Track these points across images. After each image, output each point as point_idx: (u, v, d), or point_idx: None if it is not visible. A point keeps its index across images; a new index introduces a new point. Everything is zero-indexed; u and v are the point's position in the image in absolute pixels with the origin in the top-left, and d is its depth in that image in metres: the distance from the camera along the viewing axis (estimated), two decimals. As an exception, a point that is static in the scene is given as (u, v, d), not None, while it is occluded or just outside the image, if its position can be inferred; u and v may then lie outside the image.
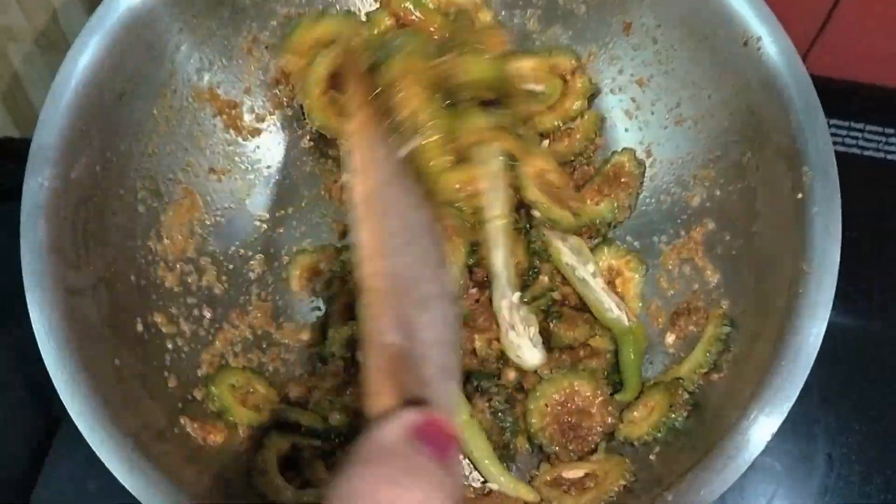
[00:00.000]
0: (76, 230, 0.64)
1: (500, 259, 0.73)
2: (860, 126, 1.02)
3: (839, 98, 1.00)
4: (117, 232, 0.69)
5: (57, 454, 0.82)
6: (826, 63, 1.00)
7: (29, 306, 0.59)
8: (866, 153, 1.01)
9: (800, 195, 0.65)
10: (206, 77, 0.76)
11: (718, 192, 0.74)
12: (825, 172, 0.65)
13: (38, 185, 0.62)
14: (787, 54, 0.68)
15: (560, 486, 0.71)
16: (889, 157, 1.01)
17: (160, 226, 0.73)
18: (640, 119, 0.80)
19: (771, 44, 0.68)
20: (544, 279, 0.77)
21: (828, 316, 0.62)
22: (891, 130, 1.02)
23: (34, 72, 0.91)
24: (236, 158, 0.80)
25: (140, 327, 0.68)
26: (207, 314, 0.74)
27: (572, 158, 0.80)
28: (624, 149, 0.80)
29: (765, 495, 0.84)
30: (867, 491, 0.84)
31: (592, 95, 0.81)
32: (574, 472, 0.71)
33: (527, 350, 0.74)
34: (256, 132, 0.81)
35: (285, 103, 0.81)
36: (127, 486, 0.57)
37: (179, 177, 0.75)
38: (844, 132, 1.02)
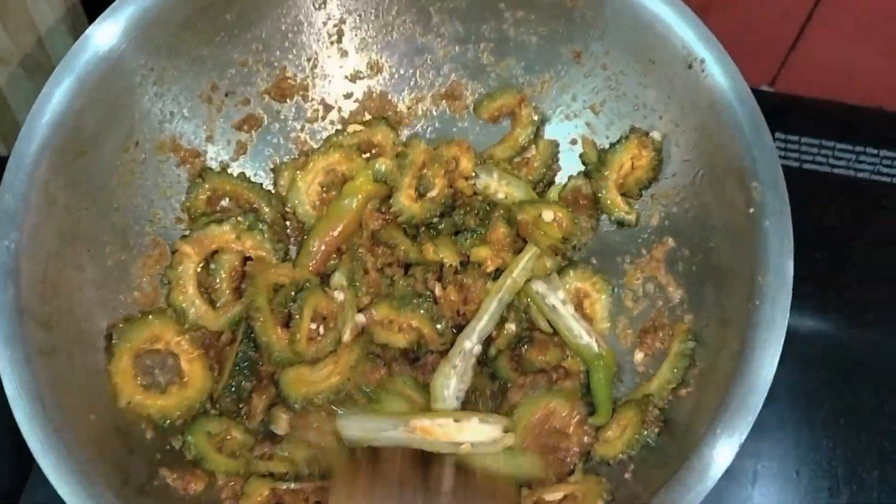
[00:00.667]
0: (45, 288, 0.65)
1: (491, 308, 0.75)
2: (830, 144, 1.05)
3: (809, 116, 1.02)
4: (88, 286, 0.70)
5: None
6: (797, 82, 1.03)
7: (-1, 369, 0.60)
8: (836, 171, 1.03)
9: (751, 209, 0.67)
10: (168, 128, 0.77)
11: (675, 210, 0.76)
12: (774, 186, 0.67)
13: (4, 248, 0.63)
14: (730, 75, 0.70)
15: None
16: (859, 175, 1.03)
17: (130, 278, 0.74)
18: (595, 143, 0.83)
19: (714, 65, 0.70)
20: (511, 327, 0.77)
21: (786, 325, 0.64)
22: (860, 148, 1.05)
23: (20, 94, 0.91)
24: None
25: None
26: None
27: (533, 186, 0.82)
28: (579, 173, 0.82)
29: None
30: None
31: (542, 122, 0.83)
32: (554, 495, 0.71)
33: (446, 392, 0.74)
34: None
35: (248, 150, 0.83)
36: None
37: (147, 228, 0.76)
38: (815, 150, 1.04)
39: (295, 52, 0.82)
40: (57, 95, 0.67)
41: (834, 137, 1.04)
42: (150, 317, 0.71)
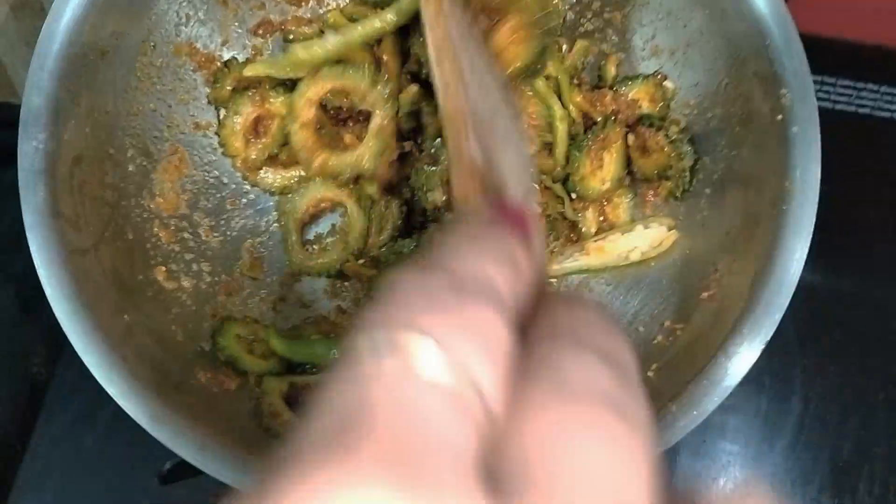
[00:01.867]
0: (73, 191, 0.64)
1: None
2: (832, 80, 1.05)
3: (812, 53, 1.02)
4: (111, 192, 0.69)
5: (46, 417, 0.82)
6: (799, 19, 1.02)
7: (38, 268, 0.59)
8: (838, 107, 1.04)
9: (780, 117, 0.67)
10: (184, 31, 0.75)
11: (697, 119, 0.77)
12: (803, 94, 0.67)
13: (33, 148, 0.62)
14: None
15: None
16: (861, 110, 1.04)
17: (151, 183, 0.73)
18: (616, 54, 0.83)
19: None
20: None
21: (812, 228, 0.65)
22: (861, 84, 1.05)
23: (6, 37, 0.88)
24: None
25: (142, 284, 0.69)
26: (206, 268, 0.75)
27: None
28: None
29: (744, 433, 0.87)
30: (844, 428, 0.88)
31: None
32: None
33: None
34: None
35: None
36: (154, 434, 0.58)
37: (165, 134, 0.75)
38: (817, 87, 1.04)
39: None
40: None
41: (836, 74, 1.05)
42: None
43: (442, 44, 0.55)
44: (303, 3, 0.81)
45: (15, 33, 0.89)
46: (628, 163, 0.82)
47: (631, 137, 0.81)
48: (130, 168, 0.71)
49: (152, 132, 0.74)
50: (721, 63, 0.74)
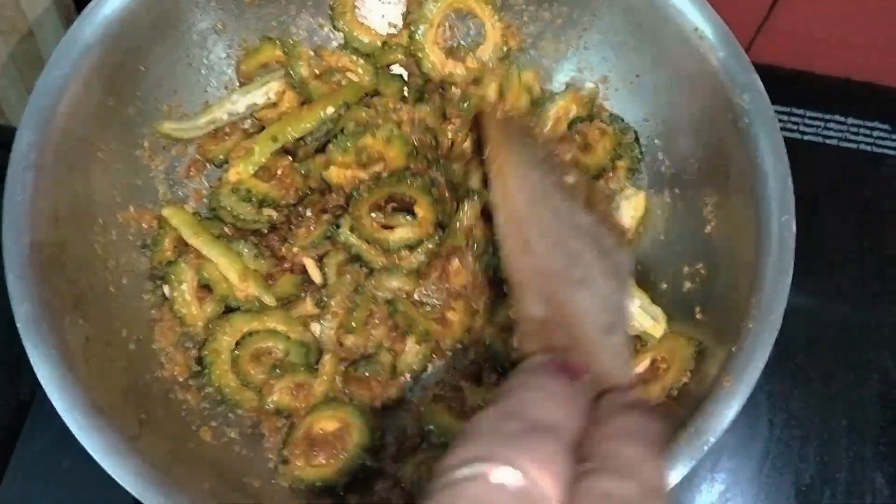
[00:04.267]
0: (97, 384, 0.65)
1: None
2: (801, 112, 1.09)
3: (781, 85, 1.05)
4: (127, 376, 0.71)
5: (29, 433, 0.83)
6: (769, 52, 1.06)
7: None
8: (805, 137, 1.08)
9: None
10: (125, 198, 0.77)
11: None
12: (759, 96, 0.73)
13: (49, 356, 0.63)
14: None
15: (638, 382, 0.75)
16: (828, 141, 1.08)
17: (156, 353, 0.75)
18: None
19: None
20: None
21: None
22: (829, 116, 1.09)
23: None
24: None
25: (197, 451, 0.71)
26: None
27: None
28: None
29: (710, 459, 0.90)
30: (806, 453, 0.91)
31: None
32: (641, 365, 0.76)
33: None
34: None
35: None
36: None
37: (147, 300, 0.77)
38: (786, 117, 1.08)
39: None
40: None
41: (804, 105, 1.10)
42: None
43: (510, 220, 0.60)
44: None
45: (7, 58, 0.89)
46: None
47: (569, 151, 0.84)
48: (131, 347, 0.73)
49: (134, 302, 0.75)
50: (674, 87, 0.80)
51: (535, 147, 0.69)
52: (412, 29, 0.85)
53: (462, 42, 0.87)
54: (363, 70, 0.85)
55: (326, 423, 0.74)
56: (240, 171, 0.77)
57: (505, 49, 0.86)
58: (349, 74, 0.85)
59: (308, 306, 0.79)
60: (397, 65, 0.88)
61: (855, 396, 0.94)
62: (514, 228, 0.59)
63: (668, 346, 0.74)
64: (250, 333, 0.76)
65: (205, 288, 0.77)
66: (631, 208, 0.83)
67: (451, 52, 0.87)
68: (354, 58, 0.85)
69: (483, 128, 0.74)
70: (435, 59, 0.85)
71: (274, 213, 0.80)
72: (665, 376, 0.72)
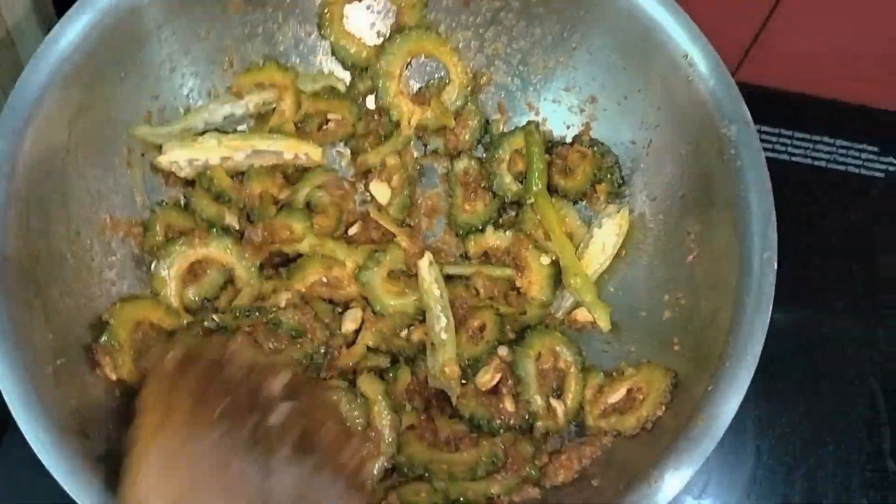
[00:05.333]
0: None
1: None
2: (789, 133, 1.09)
3: (770, 106, 1.06)
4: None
5: (5, 452, 0.83)
6: (758, 73, 1.06)
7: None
8: (794, 159, 1.08)
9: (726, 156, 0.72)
10: (102, 207, 0.76)
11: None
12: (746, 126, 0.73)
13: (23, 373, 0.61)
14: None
15: (614, 412, 0.75)
16: (816, 163, 1.08)
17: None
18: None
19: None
20: None
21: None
22: (817, 137, 1.09)
23: None
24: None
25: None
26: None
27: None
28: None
29: (697, 485, 0.90)
30: (793, 479, 0.91)
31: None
32: (616, 395, 0.75)
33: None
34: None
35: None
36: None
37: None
38: (775, 139, 1.08)
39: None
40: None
41: (793, 127, 1.10)
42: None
43: None
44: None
45: None
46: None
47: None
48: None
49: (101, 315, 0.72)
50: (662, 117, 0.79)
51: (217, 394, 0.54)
52: (376, 83, 0.84)
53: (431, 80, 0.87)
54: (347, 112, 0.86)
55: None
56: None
57: (469, 90, 0.86)
58: (330, 116, 0.84)
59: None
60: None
61: (842, 422, 0.94)
62: None
63: (644, 376, 0.74)
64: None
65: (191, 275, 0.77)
66: (616, 225, 0.83)
67: (418, 97, 0.86)
68: (335, 102, 0.85)
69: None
70: (404, 108, 0.85)
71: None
72: (640, 407, 0.72)
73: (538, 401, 0.77)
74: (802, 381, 0.96)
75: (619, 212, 0.83)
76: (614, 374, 0.78)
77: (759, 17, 1.02)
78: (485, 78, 0.88)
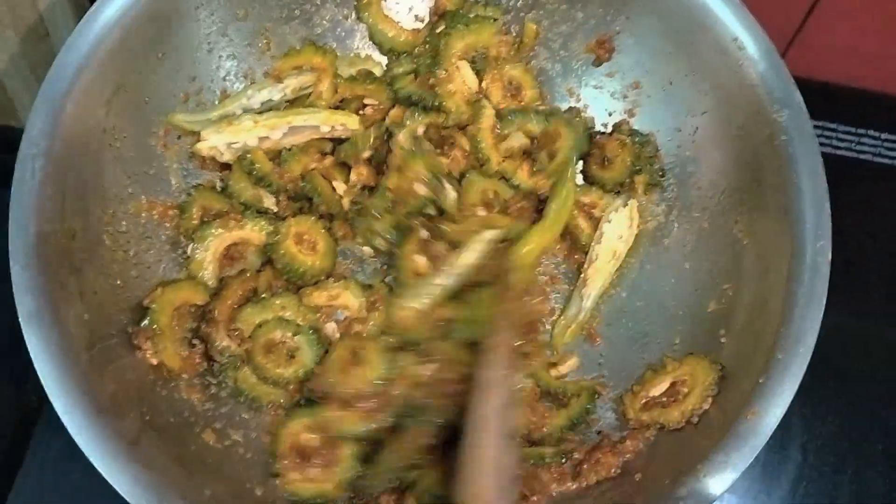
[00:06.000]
0: (99, 380, 0.63)
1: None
2: (833, 126, 1.06)
3: (814, 98, 1.03)
4: (131, 372, 0.69)
5: (38, 443, 0.82)
6: (802, 64, 1.03)
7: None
8: (839, 152, 1.05)
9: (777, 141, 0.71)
10: (135, 188, 0.75)
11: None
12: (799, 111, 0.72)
13: (48, 350, 0.61)
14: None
15: (656, 405, 0.73)
16: (861, 156, 1.05)
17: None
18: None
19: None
20: None
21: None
22: (863, 131, 1.06)
23: (8, 57, 0.89)
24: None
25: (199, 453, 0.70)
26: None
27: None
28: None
29: (741, 484, 0.87)
30: (840, 479, 0.88)
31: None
32: (659, 388, 0.74)
33: None
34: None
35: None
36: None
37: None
38: (818, 131, 1.05)
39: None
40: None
41: (837, 120, 1.07)
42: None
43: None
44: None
45: (21, 58, 0.88)
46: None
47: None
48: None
49: (141, 295, 0.72)
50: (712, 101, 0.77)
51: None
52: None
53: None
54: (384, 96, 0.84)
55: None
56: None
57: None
58: (366, 101, 0.83)
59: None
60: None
61: (890, 421, 0.92)
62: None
63: (688, 368, 0.72)
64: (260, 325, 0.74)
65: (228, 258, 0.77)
66: (626, 218, 0.81)
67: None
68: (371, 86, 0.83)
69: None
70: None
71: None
72: (685, 401, 0.70)
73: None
74: (849, 380, 0.93)
75: (626, 205, 0.81)
76: (657, 367, 0.75)
77: (804, 7, 1.00)
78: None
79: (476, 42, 0.81)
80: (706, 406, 0.68)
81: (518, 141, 0.82)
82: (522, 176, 0.82)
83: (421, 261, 0.76)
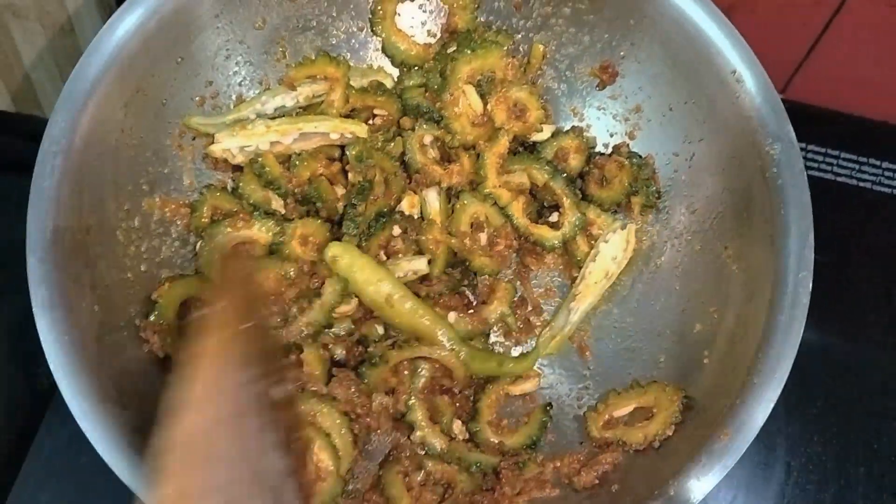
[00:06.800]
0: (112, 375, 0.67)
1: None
2: (835, 153, 1.08)
3: (818, 125, 1.05)
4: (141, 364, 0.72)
5: (47, 429, 0.85)
6: (807, 91, 1.06)
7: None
8: (839, 179, 1.07)
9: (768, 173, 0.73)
10: (152, 186, 0.78)
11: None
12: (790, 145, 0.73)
13: (67, 342, 0.64)
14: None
15: (619, 424, 0.76)
16: (862, 184, 1.07)
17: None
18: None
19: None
20: None
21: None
22: (864, 159, 1.08)
23: (34, 50, 0.92)
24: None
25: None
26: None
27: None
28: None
29: (725, 500, 0.89)
30: (822, 498, 0.90)
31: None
32: (623, 410, 0.76)
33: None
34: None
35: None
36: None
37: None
38: (821, 157, 1.07)
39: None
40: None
41: (839, 147, 1.09)
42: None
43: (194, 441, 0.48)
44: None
45: (46, 51, 0.92)
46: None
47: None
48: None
49: (151, 290, 0.75)
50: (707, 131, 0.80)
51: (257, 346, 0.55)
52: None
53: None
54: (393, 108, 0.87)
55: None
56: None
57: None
58: (376, 111, 0.86)
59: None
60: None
61: (874, 444, 0.93)
62: (194, 455, 0.47)
63: (652, 396, 0.75)
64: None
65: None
66: (622, 241, 0.84)
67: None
68: (381, 97, 0.86)
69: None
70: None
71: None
72: (649, 425, 0.73)
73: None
74: (835, 402, 0.95)
75: (625, 228, 0.84)
76: (620, 391, 0.78)
77: (811, 36, 1.02)
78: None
79: (482, 66, 0.84)
80: (669, 433, 0.71)
81: (520, 178, 0.85)
82: (516, 209, 0.84)
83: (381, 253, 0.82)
